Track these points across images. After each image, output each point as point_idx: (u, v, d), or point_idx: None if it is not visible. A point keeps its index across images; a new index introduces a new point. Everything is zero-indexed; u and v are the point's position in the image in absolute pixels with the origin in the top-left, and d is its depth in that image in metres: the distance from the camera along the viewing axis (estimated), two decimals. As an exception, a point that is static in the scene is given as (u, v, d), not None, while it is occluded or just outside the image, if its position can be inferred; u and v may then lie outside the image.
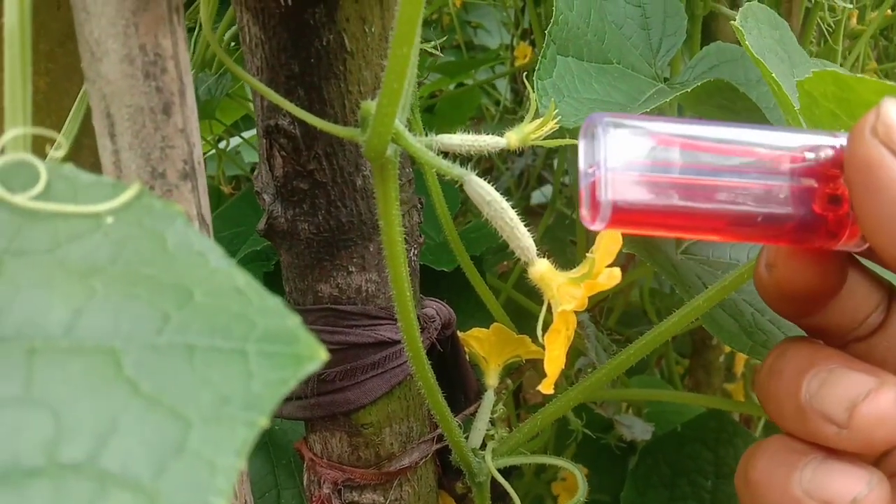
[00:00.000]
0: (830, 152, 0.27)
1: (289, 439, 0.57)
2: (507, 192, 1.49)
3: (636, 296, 0.98)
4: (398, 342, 0.40)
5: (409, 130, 0.29)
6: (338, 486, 0.42)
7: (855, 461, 0.28)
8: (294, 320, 0.17)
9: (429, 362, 0.38)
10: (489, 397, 0.49)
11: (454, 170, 0.30)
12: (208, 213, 0.30)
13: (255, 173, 0.39)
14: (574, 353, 0.73)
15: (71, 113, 0.31)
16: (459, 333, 0.48)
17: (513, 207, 0.30)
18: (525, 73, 0.42)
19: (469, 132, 0.32)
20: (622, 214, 0.25)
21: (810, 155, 0.27)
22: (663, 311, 1.03)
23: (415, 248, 0.41)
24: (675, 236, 0.27)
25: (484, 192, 0.29)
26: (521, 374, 0.82)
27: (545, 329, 0.30)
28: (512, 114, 1.52)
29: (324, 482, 0.43)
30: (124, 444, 0.14)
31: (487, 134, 0.32)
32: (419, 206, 0.41)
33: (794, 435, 0.29)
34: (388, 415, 0.42)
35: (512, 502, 0.47)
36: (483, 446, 0.46)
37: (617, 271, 0.28)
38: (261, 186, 0.38)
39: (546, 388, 0.29)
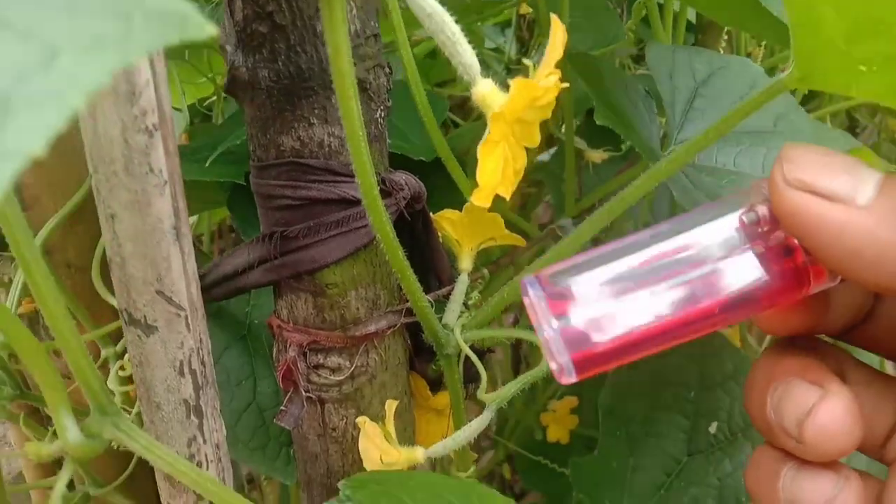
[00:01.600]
0: (765, 208, 0.26)
1: (266, 333, 0.58)
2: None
3: (632, 227, 0.98)
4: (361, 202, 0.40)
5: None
6: (303, 349, 0.43)
7: (825, 465, 0.29)
8: (188, 5, 0.16)
9: (393, 228, 0.38)
10: (463, 280, 0.49)
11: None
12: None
13: (221, 28, 0.39)
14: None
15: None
16: (432, 216, 0.48)
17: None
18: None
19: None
20: (587, 362, 0.25)
21: (749, 217, 0.26)
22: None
23: (381, 109, 0.41)
24: (655, 351, 0.28)
25: (425, 4, 0.29)
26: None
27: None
28: (516, 65, 1.50)
29: (290, 346, 0.43)
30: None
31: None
32: (387, 69, 0.41)
33: (772, 445, 0.30)
34: (353, 277, 0.42)
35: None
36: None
37: (556, 78, 0.27)
38: (224, 39, 0.38)
39: (479, 198, 0.29)
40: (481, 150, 0.28)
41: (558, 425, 1.00)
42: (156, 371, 0.34)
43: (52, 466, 0.84)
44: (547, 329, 0.25)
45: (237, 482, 0.97)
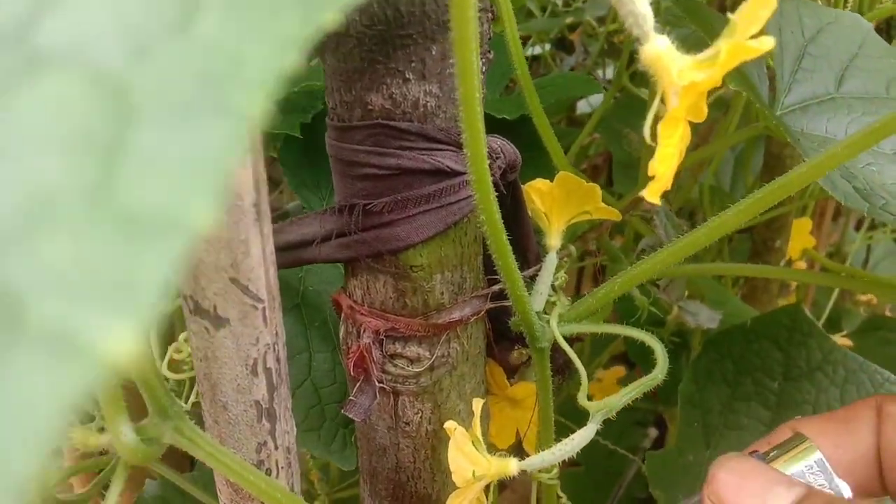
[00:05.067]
0: None
1: (323, 301, 0.53)
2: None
3: (694, 192, 0.91)
4: (459, 173, 0.35)
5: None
6: (380, 336, 0.37)
7: None
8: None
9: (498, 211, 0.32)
10: (551, 260, 0.43)
11: None
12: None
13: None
14: (634, 235, 0.67)
15: None
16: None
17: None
18: None
19: None
20: None
21: None
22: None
23: (483, 61, 0.35)
24: None
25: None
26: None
27: (655, 126, 0.24)
28: (565, 7, 1.41)
29: (364, 332, 0.38)
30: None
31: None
32: (490, 14, 0.35)
33: None
34: (440, 259, 0.36)
35: (574, 372, 0.42)
36: (545, 312, 0.41)
37: (770, 40, 0.21)
38: (304, -28, 0.32)
39: (652, 194, 0.23)
40: (663, 131, 0.22)
41: (604, 395, 0.96)
42: (224, 369, 0.29)
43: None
44: None
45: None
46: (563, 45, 1.52)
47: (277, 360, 0.30)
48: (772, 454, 0.32)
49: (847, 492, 0.30)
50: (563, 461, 1.09)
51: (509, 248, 0.34)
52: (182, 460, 0.71)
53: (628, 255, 0.60)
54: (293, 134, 0.53)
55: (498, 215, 0.32)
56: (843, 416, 0.34)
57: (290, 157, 0.55)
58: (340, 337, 0.41)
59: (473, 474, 0.33)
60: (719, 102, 0.86)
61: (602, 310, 0.63)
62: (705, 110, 0.26)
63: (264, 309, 0.28)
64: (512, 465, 0.34)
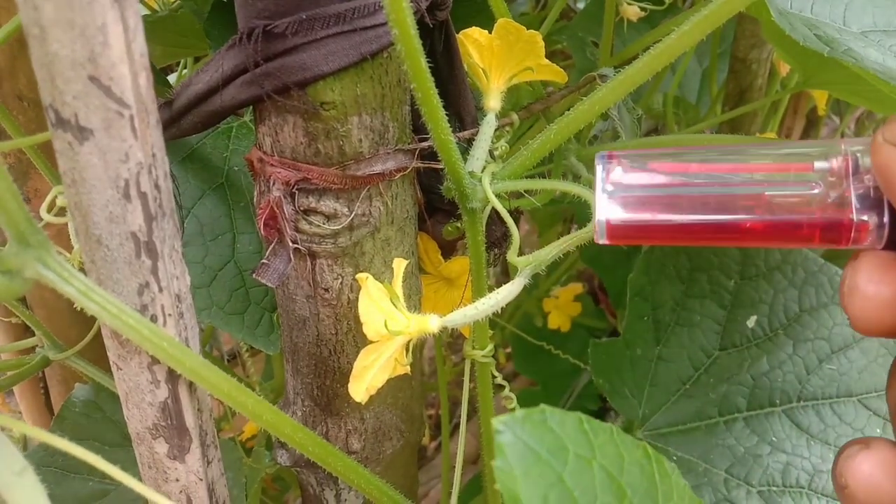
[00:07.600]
0: (839, 161, 0.28)
1: (248, 181, 0.49)
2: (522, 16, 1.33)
3: (657, 102, 0.88)
4: (373, -6, 0.31)
5: None
6: (291, 189, 0.34)
7: None
8: None
9: (417, 29, 0.28)
10: (490, 122, 0.40)
11: None
12: None
13: None
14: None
15: None
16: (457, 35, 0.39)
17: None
18: None
19: None
20: (619, 231, 0.28)
21: (821, 164, 0.28)
22: (685, 123, 0.93)
23: None
24: (684, 244, 0.32)
25: None
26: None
27: None
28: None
29: (274, 183, 0.34)
30: None
31: None
32: None
33: None
34: (355, 98, 0.32)
35: (509, 238, 0.39)
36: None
37: None
38: None
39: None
40: None
41: (560, 312, 0.94)
42: (94, 193, 0.26)
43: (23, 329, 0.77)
44: (598, 194, 0.28)
45: (216, 355, 0.91)
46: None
47: (156, 187, 0.27)
48: None
49: None
50: (521, 380, 1.06)
51: (432, 83, 0.30)
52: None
53: (583, 142, 0.56)
54: (217, -1, 0.48)
55: (416, 35, 0.28)
56: None
57: (216, 28, 0.51)
58: (255, 198, 0.37)
59: (386, 325, 0.30)
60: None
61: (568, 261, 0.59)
62: None
63: (132, 117, 0.24)
64: (432, 322, 0.31)
